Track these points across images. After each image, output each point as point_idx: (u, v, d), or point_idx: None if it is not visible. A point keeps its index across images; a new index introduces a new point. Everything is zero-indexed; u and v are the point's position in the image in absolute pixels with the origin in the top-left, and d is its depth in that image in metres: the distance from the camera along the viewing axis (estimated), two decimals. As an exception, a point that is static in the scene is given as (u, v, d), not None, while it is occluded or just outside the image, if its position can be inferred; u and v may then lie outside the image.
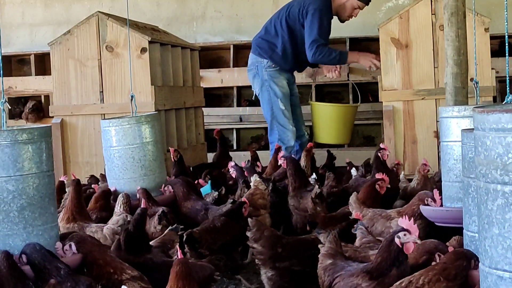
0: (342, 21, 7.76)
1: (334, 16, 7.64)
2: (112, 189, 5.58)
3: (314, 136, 7.95)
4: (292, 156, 6.46)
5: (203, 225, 4.74)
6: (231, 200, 5.21)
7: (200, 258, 4.43)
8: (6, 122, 3.81)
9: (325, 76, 8.06)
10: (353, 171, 6.32)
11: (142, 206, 4.71)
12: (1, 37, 3.70)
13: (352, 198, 4.87)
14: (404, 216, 4.51)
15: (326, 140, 7.89)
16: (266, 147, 8.72)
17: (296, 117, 7.81)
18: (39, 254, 3.49)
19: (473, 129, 2.81)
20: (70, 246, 3.71)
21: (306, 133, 7.85)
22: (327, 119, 7.79)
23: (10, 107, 4.03)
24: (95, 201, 5.31)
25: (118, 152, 5.73)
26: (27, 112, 9.87)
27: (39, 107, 9.93)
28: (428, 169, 5.65)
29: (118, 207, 5.09)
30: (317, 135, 7.90)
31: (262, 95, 7.66)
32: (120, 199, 5.13)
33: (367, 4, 7.64)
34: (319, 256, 3.66)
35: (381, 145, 5.84)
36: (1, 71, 3.75)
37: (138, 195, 5.37)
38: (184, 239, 4.47)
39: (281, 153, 6.45)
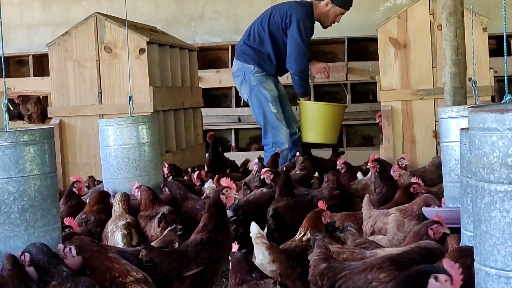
0: (324, 27, 7.94)
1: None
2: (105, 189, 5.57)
3: (302, 135, 7.90)
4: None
5: (282, 202, 5.27)
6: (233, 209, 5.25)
7: (285, 231, 5.07)
8: (8, 123, 3.82)
9: (314, 77, 8.14)
10: (359, 175, 6.32)
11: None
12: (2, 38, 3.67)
13: (364, 201, 4.92)
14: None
15: (313, 139, 7.86)
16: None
17: (287, 116, 7.88)
18: (45, 255, 3.48)
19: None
20: (70, 249, 3.70)
21: (297, 130, 7.88)
22: (314, 118, 7.78)
23: (12, 108, 4.03)
24: (92, 204, 5.27)
25: (114, 152, 5.73)
26: (34, 112, 9.79)
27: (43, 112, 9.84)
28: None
29: (117, 206, 5.07)
30: (304, 134, 7.86)
31: (252, 101, 7.75)
32: (117, 197, 5.11)
33: (348, 9, 7.78)
34: (311, 261, 3.63)
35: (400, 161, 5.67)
36: (3, 72, 3.76)
37: (138, 192, 5.31)
38: (270, 215, 5.16)
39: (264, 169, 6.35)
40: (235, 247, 3.64)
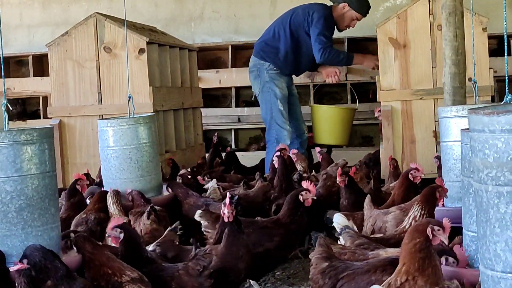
0: (340, 30, 8.13)
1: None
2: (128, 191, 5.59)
3: (314, 137, 8.16)
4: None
5: (282, 198, 5.33)
6: (230, 196, 5.26)
7: None
8: (8, 123, 3.82)
9: (325, 81, 8.24)
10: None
11: None
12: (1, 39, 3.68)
13: (366, 201, 4.93)
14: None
15: (326, 141, 8.12)
16: (265, 148, 8.74)
17: (296, 116, 8.09)
18: (39, 253, 3.47)
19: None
20: (66, 242, 3.71)
21: (305, 131, 8.06)
22: (327, 121, 8.10)
23: (12, 109, 4.04)
24: (93, 203, 5.30)
25: (116, 153, 5.72)
26: None
27: None
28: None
29: (112, 208, 5.11)
30: (317, 136, 8.15)
31: (263, 96, 7.91)
32: (110, 199, 5.14)
33: (365, 16, 7.93)
34: (312, 260, 3.63)
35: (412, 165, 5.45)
36: (3, 72, 3.76)
37: (129, 197, 5.37)
38: (273, 211, 5.40)
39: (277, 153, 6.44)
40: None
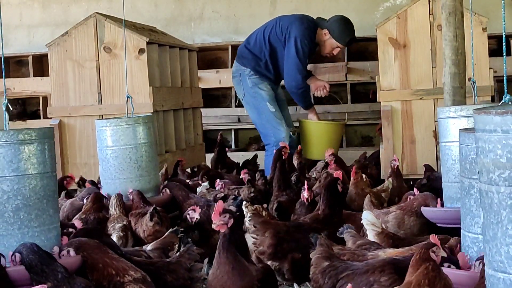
0: (322, 55, 8.01)
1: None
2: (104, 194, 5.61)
3: (303, 152, 7.93)
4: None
5: (283, 196, 5.58)
6: (233, 196, 5.27)
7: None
8: (8, 123, 3.82)
9: (313, 94, 8.11)
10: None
11: None
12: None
13: (365, 201, 4.92)
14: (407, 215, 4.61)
15: (314, 156, 7.87)
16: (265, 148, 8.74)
17: (284, 120, 7.90)
18: (36, 255, 3.45)
19: (471, 128, 2.73)
20: (68, 252, 3.67)
21: (291, 134, 7.91)
22: (315, 136, 7.87)
23: (12, 108, 4.04)
24: (92, 204, 5.31)
25: (115, 153, 5.72)
26: None
27: None
28: (397, 165, 5.97)
29: (113, 209, 5.12)
30: (305, 150, 7.87)
31: (249, 102, 7.84)
32: (113, 201, 5.15)
33: (346, 46, 7.86)
34: (313, 259, 3.63)
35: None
36: (3, 73, 3.76)
37: (131, 197, 5.38)
38: (274, 208, 5.48)
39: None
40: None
